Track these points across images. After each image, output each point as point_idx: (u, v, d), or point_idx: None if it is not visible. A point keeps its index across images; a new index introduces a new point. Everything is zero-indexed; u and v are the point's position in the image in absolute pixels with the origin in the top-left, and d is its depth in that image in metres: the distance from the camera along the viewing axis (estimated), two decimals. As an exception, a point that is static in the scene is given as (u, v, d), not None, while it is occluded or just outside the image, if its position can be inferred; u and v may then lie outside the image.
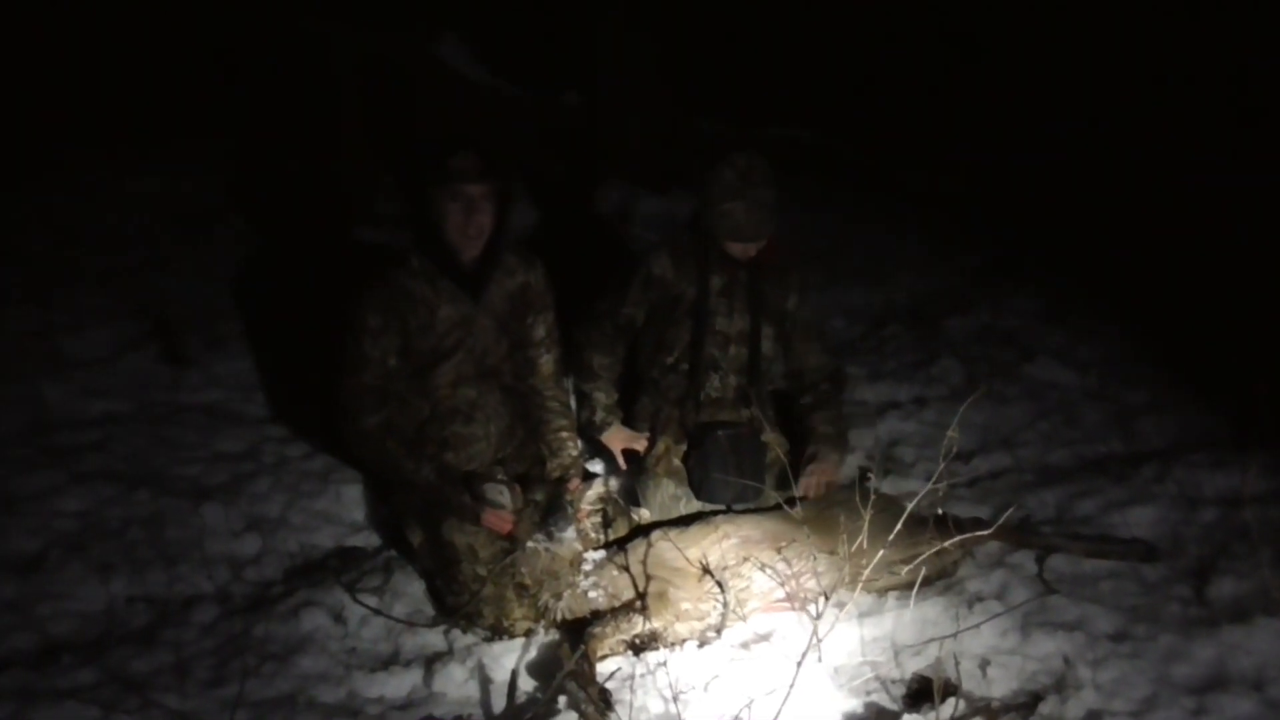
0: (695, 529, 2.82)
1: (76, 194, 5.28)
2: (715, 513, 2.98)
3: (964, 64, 7.74)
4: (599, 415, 3.23)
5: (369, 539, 3.16)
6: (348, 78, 6.11)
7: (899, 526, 2.21)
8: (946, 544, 2.26)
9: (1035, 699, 2.41)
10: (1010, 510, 2.53)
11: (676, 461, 3.18)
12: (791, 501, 2.67)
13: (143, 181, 5.50)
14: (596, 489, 2.93)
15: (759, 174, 3.03)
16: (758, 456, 3.13)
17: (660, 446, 3.21)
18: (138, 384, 3.90)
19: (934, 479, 2.20)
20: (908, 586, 2.72)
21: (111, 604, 2.76)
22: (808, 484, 3.06)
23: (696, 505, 3.09)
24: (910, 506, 2.20)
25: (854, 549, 2.31)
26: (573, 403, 3.37)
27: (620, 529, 3.00)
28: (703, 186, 3.09)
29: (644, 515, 3.08)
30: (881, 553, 2.21)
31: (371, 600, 2.80)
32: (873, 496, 2.32)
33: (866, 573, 2.24)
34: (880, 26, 8.17)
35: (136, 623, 2.71)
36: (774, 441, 3.18)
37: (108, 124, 5.91)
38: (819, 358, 3.35)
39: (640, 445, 3.23)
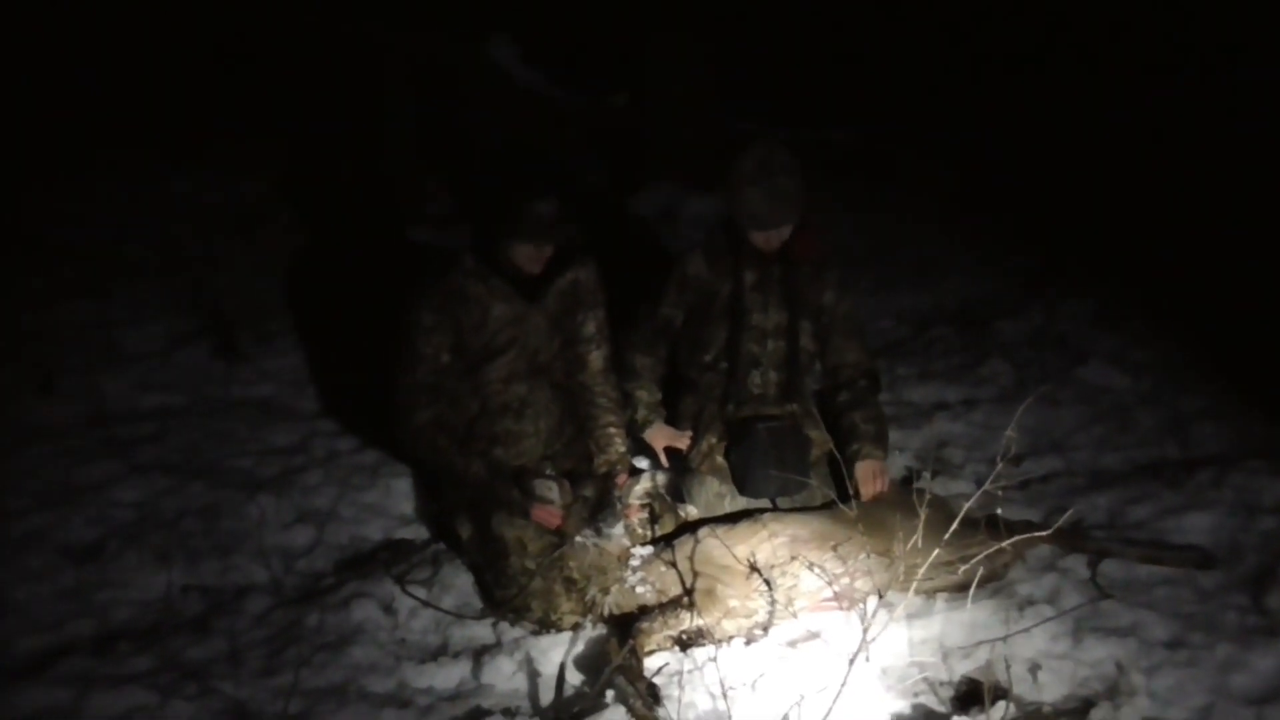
0: (743, 527, 2.82)
1: (133, 192, 5.40)
2: (763, 511, 2.97)
3: (1014, 65, 7.65)
4: (641, 414, 3.24)
5: (418, 532, 3.19)
6: (398, 78, 6.17)
7: (954, 527, 2.18)
8: (1004, 544, 2.23)
9: (1087, 705, 2.37)
10: (1068, 514, 2.49)
11: (720, 459, 3.17)
12: (844, 500, 2.64)
13: (197, 180, 5.61)
14: (644, 484, 2.93)
15: (778, 162, 3.03)
16: (800, 450, 3.12)
17: (703, 444, 3.20)
18: (192, 378, 3.99)
19: (990, 480, 2.17)
20: (957, 588, 2.70)
21: (168, 593, 2.81)
22: (866, 487, 3.04)
23: (742, 502, 3.08)
24: (966, 507, 2.18)
25: (909, 549, 2.28)
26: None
27: (667, 525, 3.00)
28: (725, 179, 3.09)
29: (691, 512, 3.08)
30: (936, 553, 2.18)
31: (421, 592, 2.82)
32: (928, 496, 2.30)
33: (921, 573, 2.21)
34: (930, 27, 8.10)
35: (192, 611, 2.75)
36: (818, 439, 3.17)
37: (163, 125, 6.03)
38: (857, 354, 3.32)
39: (683, 444, 3.23)
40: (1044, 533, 2.31)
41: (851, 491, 2.87)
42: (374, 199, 5.55)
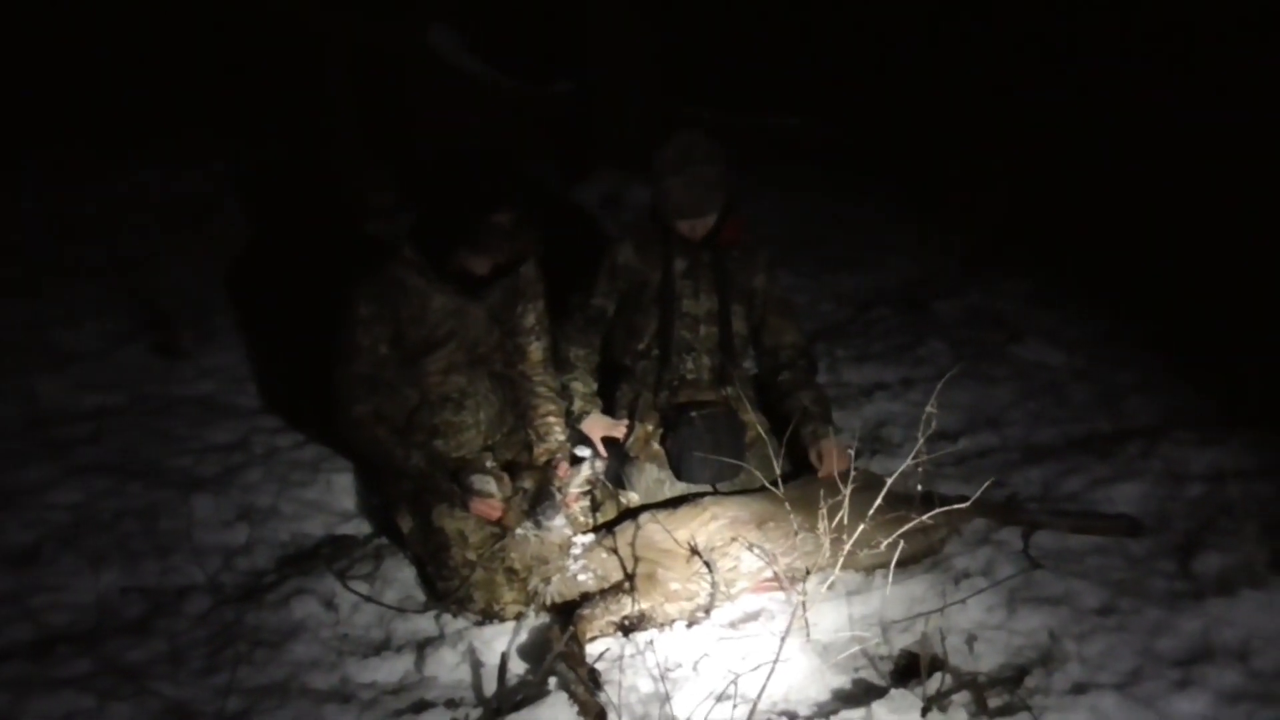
0: (683, 511, 2.85)
1: (70, 188, 5.29)
2: (702, 494, 3.00)
3: (954, 49, 7.73)
4: (577, 405, 3.26)
5: (359, 527, 3.18)
6: (340, 68, 6.11)
7: (879, 501, 2.23)
8: (925, 516, 2.28)
9: (1021, 673, 2.43)
10: (989, 482, 2.55)
11: (657, 446, 3.20)
12: (791, 478, 2.67)
13: (136, 175, 5.51)
14: (584, 472, 2.94)
15: (700, 151, 3.08)
16: (735, 435, 3.15)
17: (639, 432, 3.23)
18: (131, 377, 3.93)
19: (914, 454, 2.22)
20: (896, 564, 2.74)
21: (106, 595, 2.78)
22: (828, 463, 3.05)
23: (681, 487, 3.11)
24: (890, 481, 2.22)
25: (835, 525, 2.32)
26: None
27: (609, 512, 3.02)
28: (650, 169, 3.13)
29: (632, 498, 3.11)
30: (861, 528, 2.22)
31: (363, 587, 2.82)
32: (853, 473, 2.34)
33: (847, 547, 2.25)
34: (871, 11, 8.15)
35: (130, 613, 2.72)
36: (753, 421, 3.19)
37: (100, 118, 5.92)
38: (794, 335, 3.39)
39: (619, 432, 3.25)
40: (968, 503, 2.36)
41: (780, 472, 2.87)
42: (318, 191, 5.50)
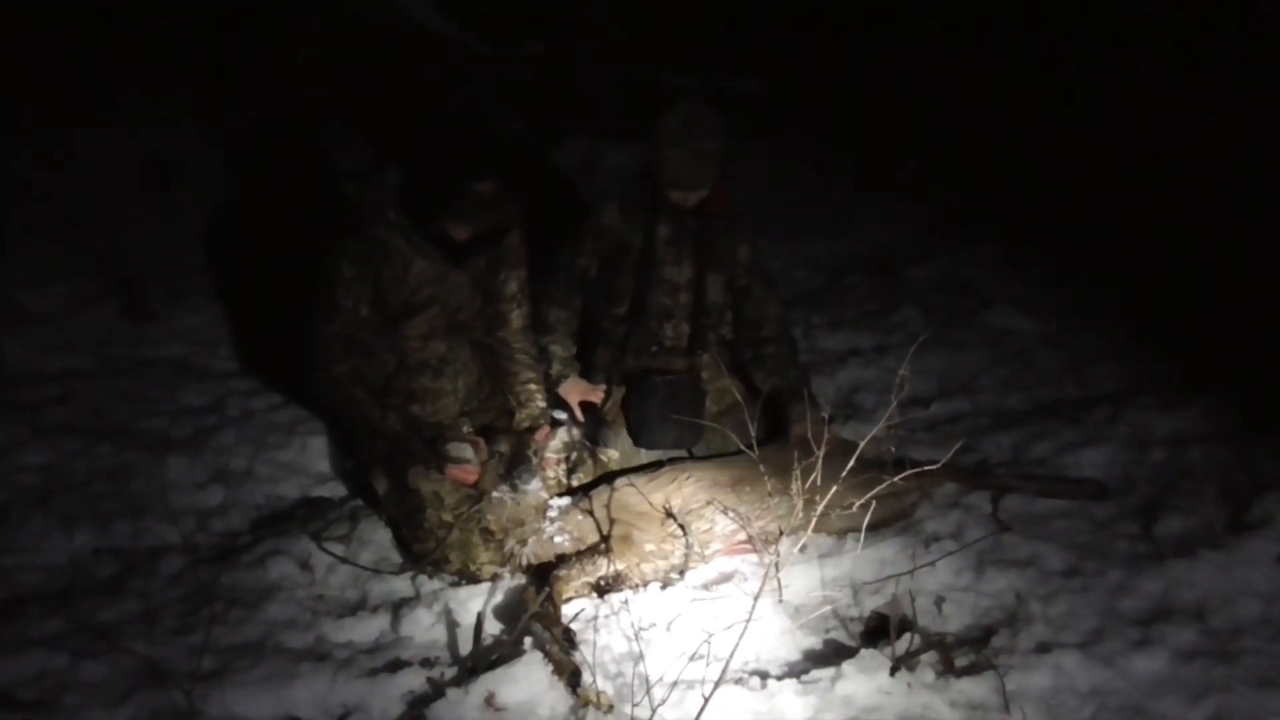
0: (659, 474, 2.86)
1: (35, 149, 5.19)
2: (680, 459, 3.02)
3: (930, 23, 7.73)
4: (556, 369, 3.25)
5: (335, 489, 3.17)
6: (310, 30, 6.02)
7: (851, 464, 2.25)
8: (896, 479, 2.31)
9: (988, 633, 2.49)
10: (958, 445, 2.59)
11: None
12: (753, 446, 2.69)
13: (103, 136, 5.42)
14: (561, 437, 2.95)
15: (703, 124, 3.06)
16: (696, 402, 3.16)
17: (617, 397, 3.24)
18: (99, 339, 3.88)
19: (886, 418, 2.26)
20: (868, 528, 2.78)
21: (77, 556, 2.76)
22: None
23: (659, 452, 3.12)
24: (862, 445, 2.24)
25: (808, 487, 2.35)
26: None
27: (587, 474, 3.03)
28: (649, 134, 3.11)
29: (612, 455, 3.13)
30: (834, 489, 2.25)
31: (338, 549, 2.81)
32: (826, 436, 2.37)
33: (819, 510, 2.28)
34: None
35: (103, 574, 2.71)
36: (729, 387, 3.17)
37: (65, 78, 5.80)
38: (776, 308, 3.39)
39: (597, 397, 3.26)
40: (937, 465, 2.40)
41: (755, 436, 2.85)
42: (288, 151, 5.43)
